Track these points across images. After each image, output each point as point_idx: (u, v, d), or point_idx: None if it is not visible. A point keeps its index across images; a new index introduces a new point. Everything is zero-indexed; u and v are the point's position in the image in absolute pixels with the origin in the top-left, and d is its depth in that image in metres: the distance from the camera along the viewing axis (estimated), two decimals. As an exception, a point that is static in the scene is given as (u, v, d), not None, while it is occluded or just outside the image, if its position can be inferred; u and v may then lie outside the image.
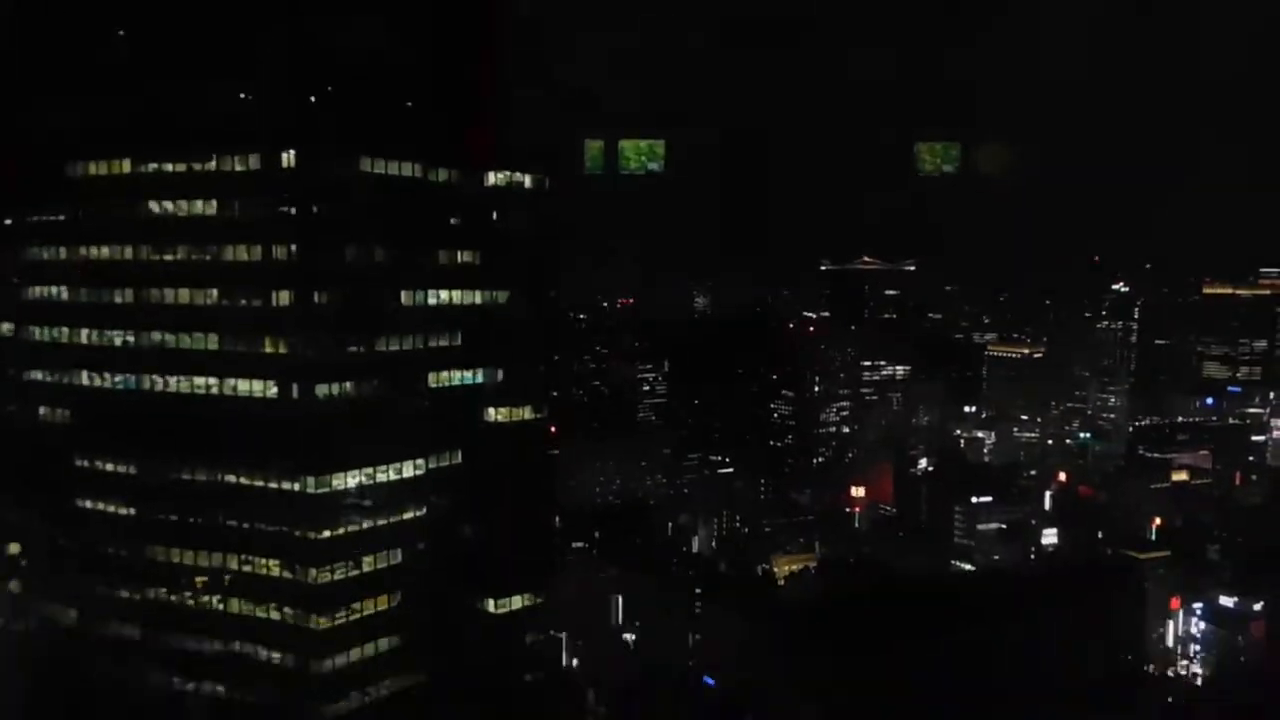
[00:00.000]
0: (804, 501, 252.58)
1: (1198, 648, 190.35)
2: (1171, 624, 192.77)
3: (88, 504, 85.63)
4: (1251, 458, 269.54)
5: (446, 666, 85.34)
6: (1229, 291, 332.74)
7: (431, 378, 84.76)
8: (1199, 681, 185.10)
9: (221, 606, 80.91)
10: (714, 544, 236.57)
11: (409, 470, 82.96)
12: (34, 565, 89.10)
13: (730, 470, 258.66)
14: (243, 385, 78.50)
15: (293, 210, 76.59)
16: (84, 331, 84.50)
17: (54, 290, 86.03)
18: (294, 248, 76.70)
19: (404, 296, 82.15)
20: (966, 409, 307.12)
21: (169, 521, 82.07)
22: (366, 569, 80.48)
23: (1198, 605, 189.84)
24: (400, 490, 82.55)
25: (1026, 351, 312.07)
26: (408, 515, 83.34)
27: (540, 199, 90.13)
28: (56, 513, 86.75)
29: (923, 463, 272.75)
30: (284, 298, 77.16)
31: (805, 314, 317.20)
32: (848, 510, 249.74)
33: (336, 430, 78.06)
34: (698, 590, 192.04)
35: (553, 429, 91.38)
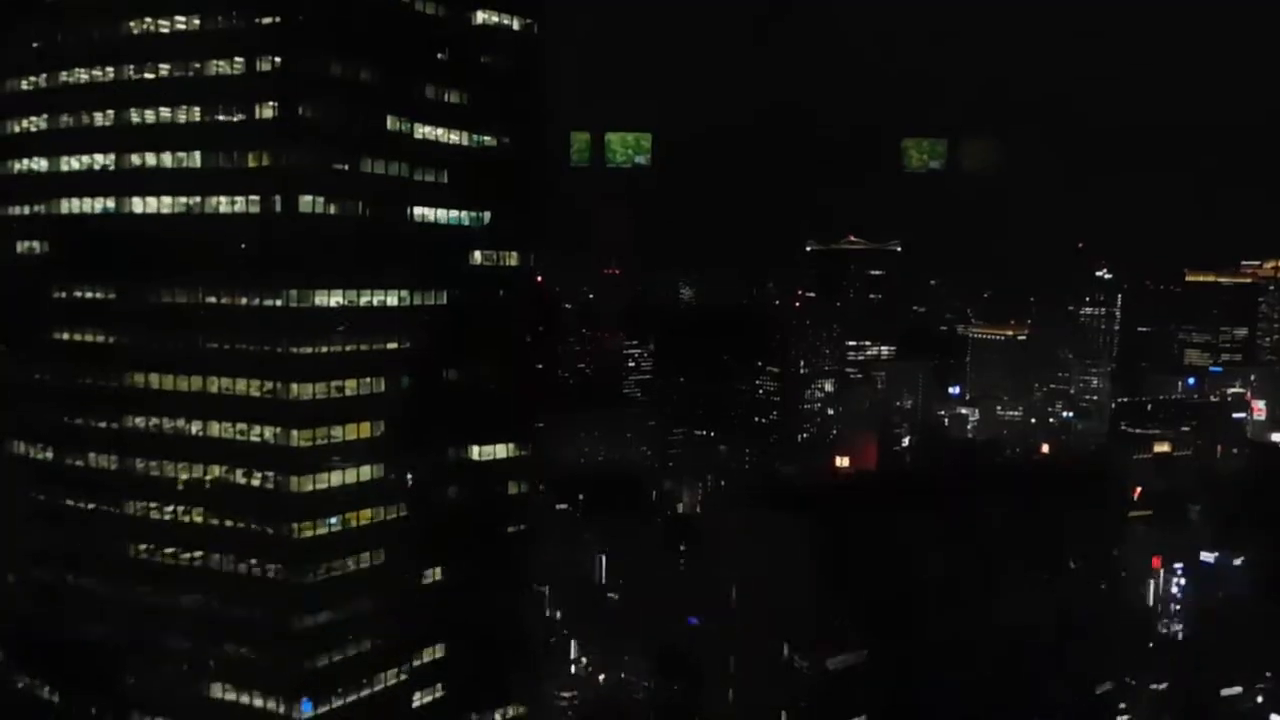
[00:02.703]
0: (789, 472, 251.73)
1: (1177, 607, 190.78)
2: (1153, 583, 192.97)
3: (66, 335, 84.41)
4: (1232, 433, 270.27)
5: (427, 503, 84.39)
6: (1211, 280, 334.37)
7: (416, 212, 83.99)
8: (1180, 637, 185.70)
9: (201, 430, 79.65)
10: (698, 509, 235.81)
11: (392, 299, 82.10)
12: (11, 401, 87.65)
13: (715, 441, 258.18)
14: (225, 203, 77.60)
15: (276, 19, 75.72)
16: (63, 159, 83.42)
17: (33, 120, 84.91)
18: (278, 59, 75.90)
19: (389, 122, 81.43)
20: (951, 390, 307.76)
21: (149, 346, 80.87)
22: (349, 392, 79.34)
23: (1178, 565, 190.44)
24: (383, 318, 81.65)
25: (1010, 334, 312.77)
26: (390, 345, 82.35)
27: (529, 43, 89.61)
28: (34, 346, 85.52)
29: (906, 440, 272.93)
30: (267, 110, 76.36)
31: (790, 293, 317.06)
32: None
33: (320, 246, 77.10)
34: (682, 547, 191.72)
35: (539, 279, 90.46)
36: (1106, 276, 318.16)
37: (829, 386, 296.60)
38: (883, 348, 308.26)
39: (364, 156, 79.75)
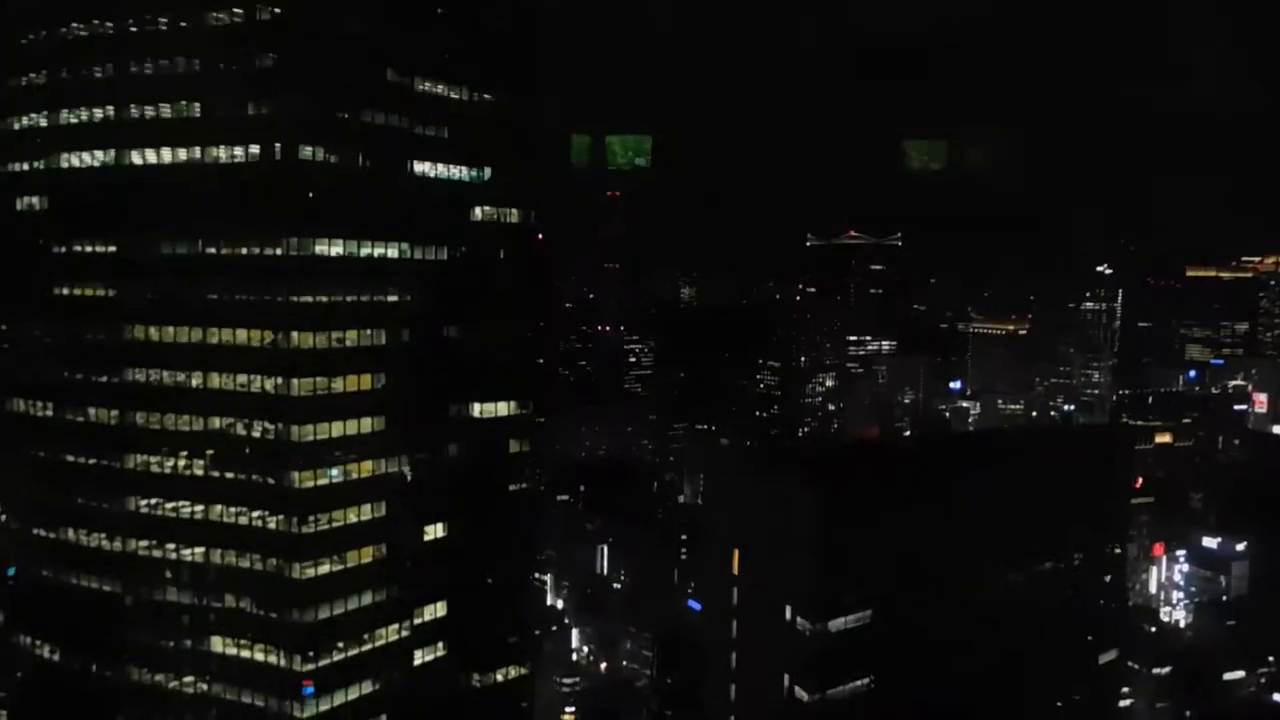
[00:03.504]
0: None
1: (1180, 594, 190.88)
2: (1155, 570, 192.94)
3: (65, 290, 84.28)
4: (1233, 425, 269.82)
5: (427, 457, 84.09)
6: (1211, 275, 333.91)
7: (417, 166, 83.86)
8: (1182, 624, 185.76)
9: (202, 381, 79.41)
10: (699, 499, 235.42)
11: (393, 252, 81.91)
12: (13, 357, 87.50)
13: (716, 435, 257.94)
14: (225, 152, 77.46)
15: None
16: (62, 112, 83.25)
17: (31, 75, 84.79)
18: (277, 9, 75.99)
19: (389, 74, 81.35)
20: (952, 385, 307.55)
21: (149, 298, 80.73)
22: (349, 343, 79.22)
23: (1181, 552, 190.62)
24: (383, 270, 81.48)
25: (1011, 328, 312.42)
26: (391, 297, 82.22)
27: (527, 2, 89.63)
28: (33, 302, 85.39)
29: (907, 434, 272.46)
30: (267, 60, 76.34)
31: (790, 288, 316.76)
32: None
33: (319, 196, 77.00)
34: (683, 536, 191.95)
35: (539, 235, 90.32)
36: (1107, 272, 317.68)
37: (830, 381, 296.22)
38: (883, 342, 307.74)
39: (364, 108, 79.63)
